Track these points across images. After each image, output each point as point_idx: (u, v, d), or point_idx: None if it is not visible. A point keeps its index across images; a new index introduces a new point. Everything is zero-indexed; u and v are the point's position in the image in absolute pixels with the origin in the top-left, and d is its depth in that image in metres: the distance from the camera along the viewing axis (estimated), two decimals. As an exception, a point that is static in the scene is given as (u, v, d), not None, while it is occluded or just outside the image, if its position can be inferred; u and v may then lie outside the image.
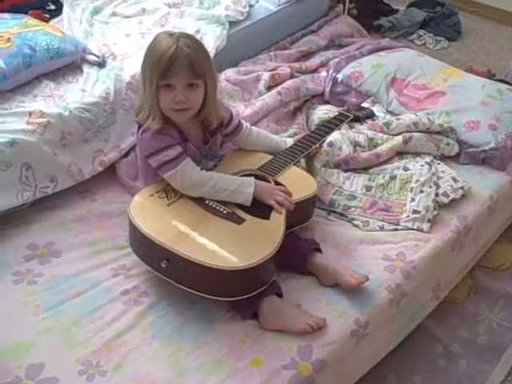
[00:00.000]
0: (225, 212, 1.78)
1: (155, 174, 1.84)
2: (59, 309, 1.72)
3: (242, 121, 2.12)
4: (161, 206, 1.79)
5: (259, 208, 1.81)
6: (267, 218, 1.80)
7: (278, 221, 1.79)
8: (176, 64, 1.71)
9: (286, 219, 1.80)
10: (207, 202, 1.80)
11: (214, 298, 1.67)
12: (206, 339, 1.66)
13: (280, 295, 1.75)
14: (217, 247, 1.67)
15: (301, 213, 1.95)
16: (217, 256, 1.64)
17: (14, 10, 2.56)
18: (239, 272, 1.63)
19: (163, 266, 1.66)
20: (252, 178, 1.85)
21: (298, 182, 1.97)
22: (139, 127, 1.85)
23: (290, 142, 2.19)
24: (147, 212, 1.77)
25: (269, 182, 1.93)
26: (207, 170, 1.89)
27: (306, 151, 2.13)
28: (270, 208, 1.82)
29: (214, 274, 1.62)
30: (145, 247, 1.73)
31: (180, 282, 1.69)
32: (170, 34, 1.77)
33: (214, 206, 1.79)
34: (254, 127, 2.18)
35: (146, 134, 1.81)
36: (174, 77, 1.73)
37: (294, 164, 2.05)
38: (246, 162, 2.02)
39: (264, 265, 1.66)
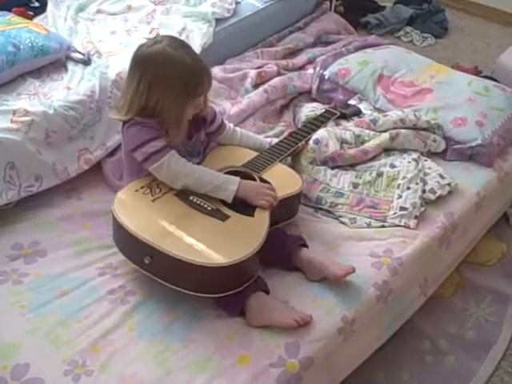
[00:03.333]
0: (209, 208, 1.78)
1: (139, 170, 1.84)
2: (45, 309, 1.70)
3: (226, 121, 2.14)
4: (145, 202, 1.78)
5: (244, 205, 1.81)
6: (251, 215, 1.80)
7: (262, 217, 1.79)
8: (204, 80, 1.83)
9: (270, 216, 1.80)
10: (191, 198, 1.80)
11: (197, 294, 1.67)
12: (193, 337, 1.65)
13: (267, 292, 1.75)
14: (201, 243, 1.66)
15: (286, 209, 1.95)
16: (200, 252, 1.64)
17: (-1, 6, 2.54)
18: (223, 268, 1.62)
19: (146, 262, 1.65)
20: (237, 178, 1.84)
21: (282, 179, 1.96)
22: (124, 122, 1.84)
23: (275, 142, 2.19)
24: (131, 208, 1.76)
25: (254, 178, 1.92)
26: None
27: (292, 148, 2.13)
28: (255, 205, 1.82)
29: (198, 270, 1.61)
30: (128, 243, 1.72)
31: (164, 278, 1.68)
32: (175, 48, 1.80)
33: (198, 202, 1.79)
34: (237, 128, 2.18)
35: (132, 128, 1.81)
36: (203, 91, 1.86)
37: (280, 161, 2.05)
38: (231, 159, 2.01)
39: (248, 261, 1.65)
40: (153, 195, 1.80)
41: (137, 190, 1.81)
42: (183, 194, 1.81)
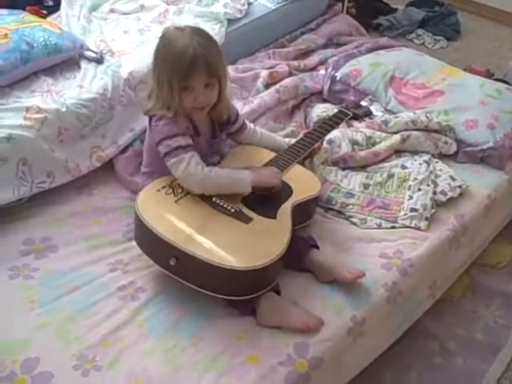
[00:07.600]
0: (232, 210, 1.77)
1: (161, 166, 1.83)
2: (55, 304, 1.71)
3: (247, 121, 2.13)
4: (168, 202, 1.77)
5: (265, 207, 1.80)
6: (273, 217, 1.79)
7: (284, 220, 1.79)
8: (194, 67, 1.74)
9: (292, 219, 1.80)
10: (214, 199, 1.79)
11: (221, 297, 1.67)
12: (202, 335, 1.66)
13: (278, 292, 1.75)
14: (226, 246, 1.66)
15: (305, 212, 1.95)
16: (226, 256, 1.63)
17: (12, 5, 2.55)
18: (250, 272, 1.62)
19: (172, 263, 1.64)
20: (247, 170, 1.85)
21: (302, 181, 1.96)
22: (151, 118, 1.85)
23: (292, 142, 2.19)
24: (155, 209, 1.75)
25: None
26: (212, 164, 1.89)
27: (309, 149, 2.12)
28: (276, 207, 1.82)
29: (224, 273, 1.61)
30: (153, 244, 1.71)
31: (188, 280, 1.67)
32: (182, 31, 1.77)
33: (221, 203, 1.78)
34: (258, 128, 2.18)
35: (162, 121, 1.81)
36: (193, 79, 1.76)
37: (298, 162, 2.05)
38: (250, 160, 2.00)
39: (274, 265, 1.65)
40: (175, 195, 1.78)
41: (158, 190, 1.80)
42: (205, 195, 1.80)
